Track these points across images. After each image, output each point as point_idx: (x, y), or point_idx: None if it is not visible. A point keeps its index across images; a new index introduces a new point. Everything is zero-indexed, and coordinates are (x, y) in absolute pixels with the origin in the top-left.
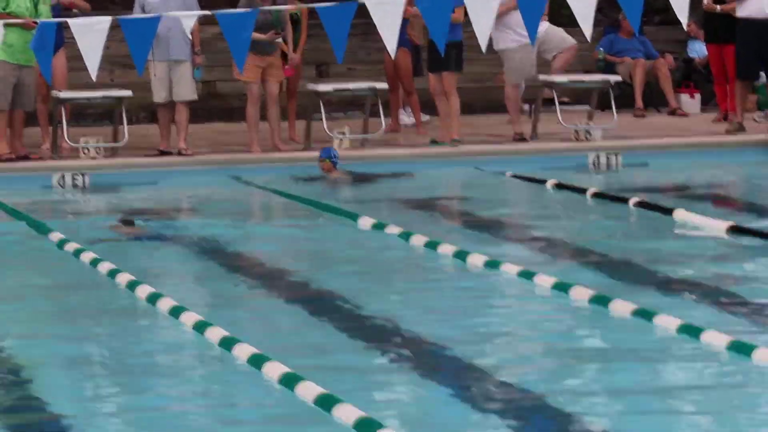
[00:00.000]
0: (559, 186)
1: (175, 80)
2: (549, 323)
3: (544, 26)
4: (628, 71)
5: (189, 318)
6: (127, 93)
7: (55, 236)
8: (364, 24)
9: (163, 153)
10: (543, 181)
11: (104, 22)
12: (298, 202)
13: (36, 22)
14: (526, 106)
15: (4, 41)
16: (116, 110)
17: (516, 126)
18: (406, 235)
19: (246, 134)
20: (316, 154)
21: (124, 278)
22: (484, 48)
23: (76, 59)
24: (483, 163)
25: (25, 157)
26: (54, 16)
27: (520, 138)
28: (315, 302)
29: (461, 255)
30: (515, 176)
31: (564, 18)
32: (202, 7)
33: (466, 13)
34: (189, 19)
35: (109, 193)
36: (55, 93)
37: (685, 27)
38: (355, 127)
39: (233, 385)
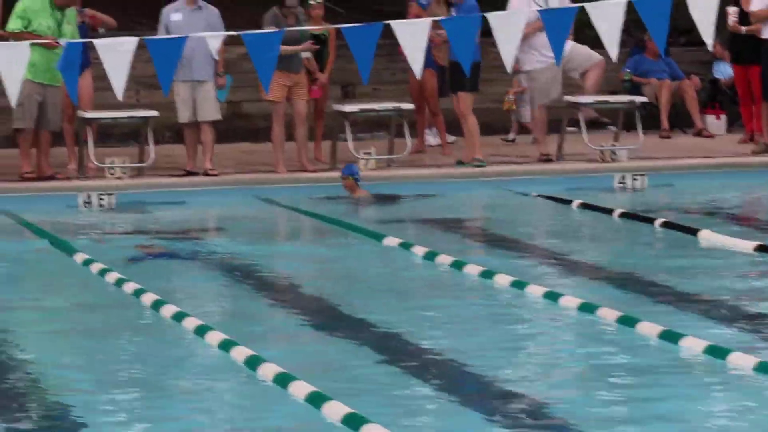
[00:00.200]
0: (585, 206)
1: (199, 100)
2: (575, 345)
3: (569, 45)
4: (654, 92)
5: (214, 337)
6: (153, 113)
7: (80, 256)
8: (389, 44)
9: (189, 173)
10: (569, 202)
11: (130, 42)
12: (323, 221)
13: (59, 42)
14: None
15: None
16: (142, 130)
17: (542, 146)
18: (431, 255)
19: (271, 154)
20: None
21: (149, 298)
22: (509, 69)
23: (102, 79)
24: (509, 184)
25: (51, 178)
26: (80, 37)
27: (546, 158)
28: (341, 322)
29: (487, 275)
30: (540, 196)
31: (590, 39)
32: (227, 28)
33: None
34: (215, 39)
35: (134, 213)
36: (81, 113)
37: (710, 48)
38: (381, 148)
39: (259, 405)
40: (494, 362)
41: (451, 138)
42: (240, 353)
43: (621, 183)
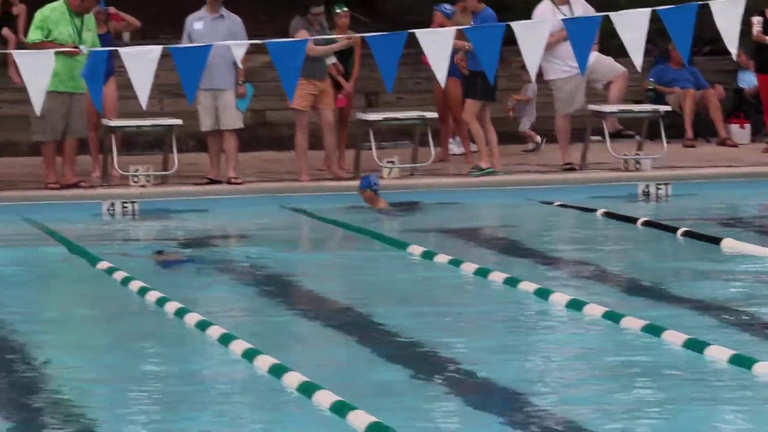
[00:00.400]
0: (609, 215)
1: (221, 109)
2: (599, 354)
3: (594, 55)
4: (678, 101)
5: (238, 346)
6: (177, 121)
7: (104, 264)
8: (413, 53)
9: (212, 181)
10: (592, 210)
11: (155, 51)
12: (346, 230)
13: (80, 49)
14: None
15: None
16: (166, 138)
17: (565, 155)
18: (455, 263)
19: (295, 163)
20: None
21: (172, 306)
22: (533, 78)
23: (126, 88)
24: (532, 193)
25: (75, 186)
26: (104, 45)
27: (570, 167)
28: (365, 330)
29: (511, 283)
30: (563, 205)
31: (614, 48)
32: (252, 37)
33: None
34: (239, 48)
35: (158, 221)
36: (105, 121)
37: (734, 57)
38: (404, 157)
39: (283, 414)
40: (519, 371)
41: (474, 147)
42: (264, 362)
43: (645, 192)
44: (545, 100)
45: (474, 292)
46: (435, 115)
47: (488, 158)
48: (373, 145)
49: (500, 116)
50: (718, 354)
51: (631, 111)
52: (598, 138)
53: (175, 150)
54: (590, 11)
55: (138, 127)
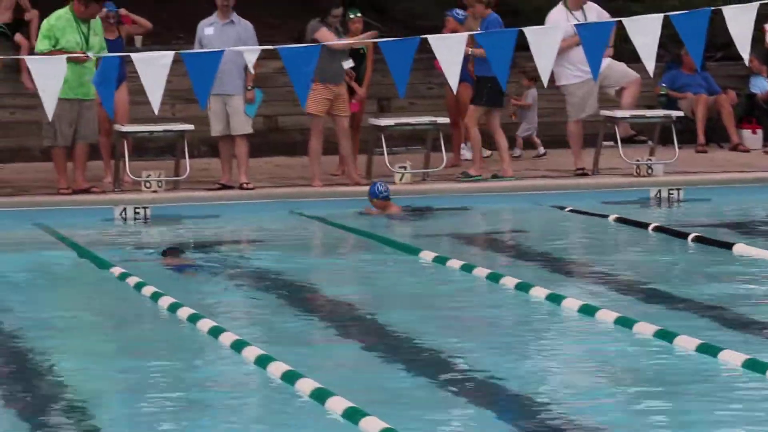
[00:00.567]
0: (621, 221)
1: (231, 114)
2: (612, 359)
3: (606, 61)
4: (690, 107)
5: (251, 352)
6: (189, 127)
7: (115, 270)
8: (426, 59)
9: (224, 186)
10: (603, 216)
11: (167, 56)
12: (359, 236)
13: (87, 55)
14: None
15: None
16: (178, 144)
17: (578, 161)
18: (467, 269)
19: (307, 168)
20: None
21: (184, 312)
22: (545, 83)
23: (137, 93)
24: (544, 198)
25: (87, 191)
26: (116, 50)
27: (582, 173)
28: (377, 336)
29: (523, 288)
30: (574, 211)
31: (627, 53)
32: (262, 42)
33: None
34: (251, 54)
35: (170, 226)
36: (117, 127)
37: (747, 63)
38: (417, 162)
39: (296, 420)
40: (531, 377)
41: (486, 152)
42: (277, 368)
43: (657, 197)
44: (557, 105)
45: (486, 297)
46: (447, 120)
47: (478, 166)
48: (385, 150)
49: (508, 122)
50: (732, 358)
51: (643, 116)
52: (611, 143)
53: (186, 155)
54: (605, 17)
55: (150, 132)
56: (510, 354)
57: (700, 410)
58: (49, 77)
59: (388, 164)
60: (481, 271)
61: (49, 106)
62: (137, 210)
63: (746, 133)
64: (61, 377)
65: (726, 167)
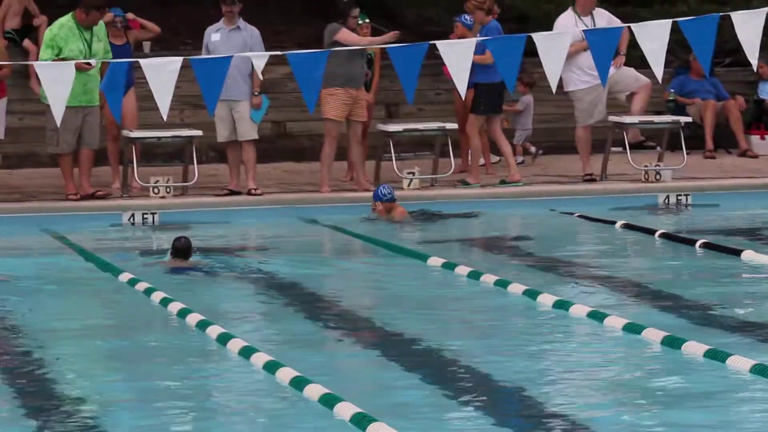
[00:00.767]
0: (628, 227)
1: (237, 119)
2: (621, 365)
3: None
4: (698, 112)
5: (259, 358)
6: (197, 132)
7: (124, 275)
8: (434, 64)
9: (232, 192)
10: (610, 222)
11: (176, 62)
12: (367, 242)
13: (90, 64)
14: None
15: None
16: (186, 150)
17: (586, 166)
18: (475, 275)
19: (315, 174)
20: None
21: (193, 318)
22: (554, 89)
23: (146, 99)
24: (552, 203)
25: (92, 196)
26: (124, 56)
27: (590, 178)
28: (385, 342)
29: (531, 295)
30: (582, 216)
31: (635, 59)
32: (270, 48)
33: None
34: (260, 59)
35: (178, 232)
36: (125, 133)
37: (755, 68)
38: (425, 168)
39: (304, 426)
40: (538, 383)
41: (494, 158)
42: (285, 374)
43: (665, 203)
44: (566, 111)
45: (493, 302)
46: (455, 126)
47: (476, 174)
48: (393, 156)
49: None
50: (740, 364)
51: (651, 122)
52: (619, 149)
53: (195, 161)
54: (615, 23)
55: (158, 138)
56: (518, 360)
57: (707, 416)
58: (57, 83)
59: (396, 170)
60: (488, 277)
61: (58, 112)
62: (145, 216)
63: (754, 138)
64: (69, 383)
65: (734, 173)
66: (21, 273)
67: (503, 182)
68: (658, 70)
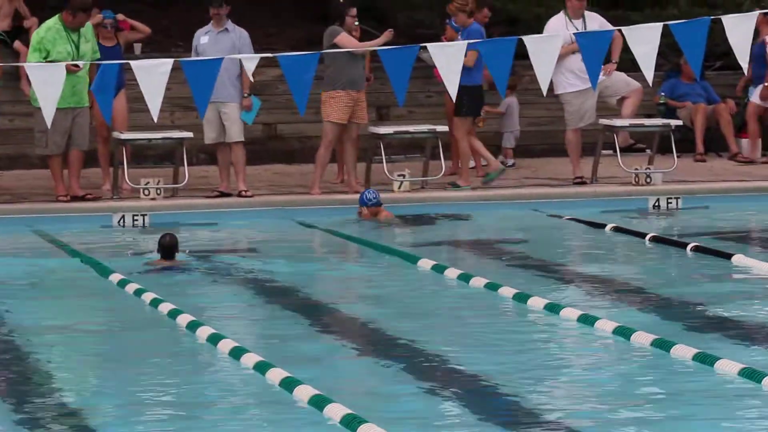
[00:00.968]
0: (618, 230)
1: (225, 121)
2: (610, 368)
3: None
4: (689, 116)
5: (249, 359)
6: (188, 134)
7: (115, 276)
8: (424, 67)
9: (222, 194)
10: (601, 225)
11: (166, 64)
12: (357, 243)
13: (78, 66)
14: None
15: None
16: (177, 151)
17: (576, 169)
18: (465, 278)
19: (306, 176)
20: None
21: (184, 319)
22: (544, 92)
23: (136, 100)
24: (543, 206)
25: (82, 198)
26: (115, 58)
27: (580, 181)
28: (375, 344)
29: (521, 298)
30: (572, 219)
31: (626, 62)
32: (261, 50)
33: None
34: (250, 61)
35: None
36: (116, 134)
37: (746, 72)
38: (416, 170)
39: (294, 427)
40: (528, 386)
41: (484, 161)
42: (275, 375)
43: (655, 206)
44: (556, 114)
45: (484, 306)
46: (446, 128)
47: (466, 177)
48: (384, 158)
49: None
50: (729, 367)
51: (642, 125)
52: (609, 152)
53: (185, 163)
54: (606, 26)
55: (149, 140)
56: (507, 362)
57: (695, 419)
58: (47, 84)
59: (386, 172)
60: (478, 280)
61: (48, 114)
62: (136, 217)
63: (745, 142)
64: (58, 384)
65: (724, 176)
66: (11, 274)
67: (455, 185)
68: (649, 74)
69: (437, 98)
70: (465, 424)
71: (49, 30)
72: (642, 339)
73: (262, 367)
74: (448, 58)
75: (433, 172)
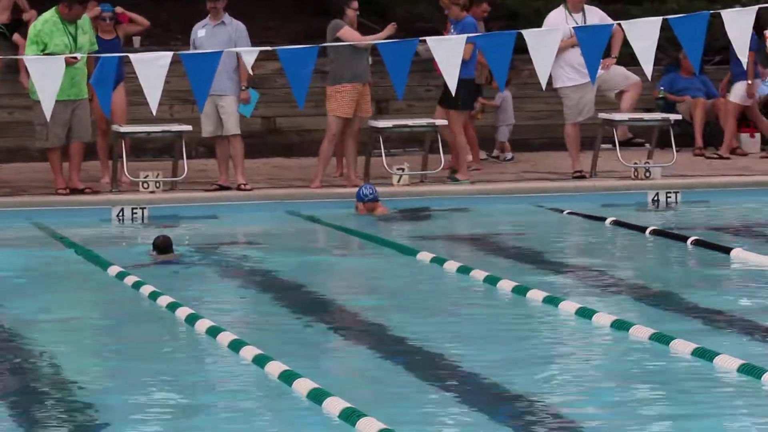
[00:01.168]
0: (618, 224)
1: (222, 114)
2: (608, 362)
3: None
4: (688, 110)
5: (248, 352)
6: (187, 128)
7: (114, 269)
8: (423, 61)
9: (221, 188)
10: (601, 219)
11: (165, 57)
12: (356, 237)
13: (76, 58)
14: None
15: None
16: (176, 144)
17: (575, 163)
18: (465, 270)
19: (305, 169)
20: None
21: (183, 312)
22: (543, 85)
23: (136, 94)
24: (542, 200)
25: (81, 192)
26: (114, 51)
27: (580, 175)
28: (374, 337)
29: (520, 291)
30: (572, 213)
31: (625, 56)
32: (261, 43)
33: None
34: (249, 54)
35: (167, 227)
36: (115, 127)
37: (745, 66)
38: (415, 164)
39: (293, 420)
40: (527, 379)
41: (483, 154)
42: (274, 368)
43: (654, 200)
44: (555, 108)
45: (483, 299)
46: (445, 122)
47: (465, 171)
48: (383, 152)
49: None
50: (728, 363)
51: (641, 119)
52: (608, 146)
53: (184, 156)
54: (606, 20)
55: (148, 133)
56: (506, 356)
57: (694, 415)
58: (47, 77)
59: (385, 166)
60: (478, 273)
61: (48, 107)
62: (135, 210)
63: (744, 136)
64: (57, 377)
65: (724, 171)
66: (10, 267)
67: (454, 179)
68: (648, 68)
69: (436, 92)
70: (463, 417)
71: (45, 23)
72: (640, 333)
73: (260, 360)
74: (447, 52)
75: (432, 166)
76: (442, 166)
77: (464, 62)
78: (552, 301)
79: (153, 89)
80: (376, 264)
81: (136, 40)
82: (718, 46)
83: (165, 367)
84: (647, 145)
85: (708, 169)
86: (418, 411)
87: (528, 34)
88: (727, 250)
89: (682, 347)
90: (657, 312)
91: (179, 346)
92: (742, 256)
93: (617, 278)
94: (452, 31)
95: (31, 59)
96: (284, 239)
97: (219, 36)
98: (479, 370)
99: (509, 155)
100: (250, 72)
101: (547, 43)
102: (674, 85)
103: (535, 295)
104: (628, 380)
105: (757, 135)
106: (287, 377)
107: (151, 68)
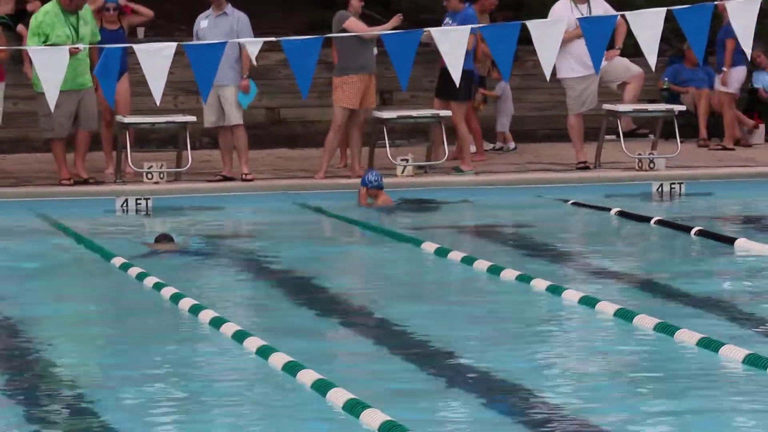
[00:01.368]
0: (622, 214)
1: (224, 104)
2: (612, 352)
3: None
4: (692, 101)
5: (252, 343)
6: (191, 118)
7: (118, 260)
8: (428, 51)
9: (225, 178)
10: (605, 209)
11: (169, 48)
12: (360, 227)
13: (78, 48)
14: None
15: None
16: (180, 135)
17: (579, 154)
18: (469, 261)
19: (309, 160)
20: None
21: (186, 303)
22: (548, 77)
23: (140, 84)
24: (546, 191)
25: (85, 182)
26: (118, 42)
27: (584, 166)
28: (379, 328)
29: (524, 280)
30: (576, 204)
31: (629, 47)
32: (266, 34)
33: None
34: (254, 45)
35: (172, 217)
36: (119, 118)
37: (749, 57)
38: (418, 155)
39: (297, 411)
40: (531, 369)
41: (488, 145)
42: (278, 359)
43: (659, 191)
44: (558, 98)
45: (487, 289)
46: (449, 113)
47: (468, 162)
48: (387, 142)
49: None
50: (733, 354)
51: (645, 110)
52: (612, 137)
53: (188, 147)
54: (610, 11)
55: (152, 123)
56: (510, 345)
57: (699, 405)
58: (51, 68)
59: (390, 157)
60: (482, 264)
61: (52, 98)
62: (139, 201)
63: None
64: (61, 367)
65: (728, 162)
66: (14, 257)
67: (458, 170)
68: (652, 59)
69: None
70: (468, 407)
71: (47, 14)
72: (644, 323)
73: (264, 352)
74: (452, 43)
75: (436, 157)
76: (446, 156)
77: (466, 53)
78: (555, 290)
79: (157, 80)
80: (380, 254)
81: (140, 31)
82: None
83: (168, 358)
84: (651, 136)
85: (712, 160)
86: (422, 403)
87: (532, 25)
88: (731, 241)
89: (688, 337)
90: (661, 302)
91: (182, 337)
92: (746, 246)
93: (622, 268)
94: (448, 23)
95: (34, 50)
96: (288, 230)
97: (221, 26)
98: (482, 360)
99: (512, 145)
100: (254, 62)
101: (552, 34)
102: (678, 76)
103: (539, 285)
104: (631, 370)
105: (762, 126)
106: (291, 368)
107: (155, 59)
